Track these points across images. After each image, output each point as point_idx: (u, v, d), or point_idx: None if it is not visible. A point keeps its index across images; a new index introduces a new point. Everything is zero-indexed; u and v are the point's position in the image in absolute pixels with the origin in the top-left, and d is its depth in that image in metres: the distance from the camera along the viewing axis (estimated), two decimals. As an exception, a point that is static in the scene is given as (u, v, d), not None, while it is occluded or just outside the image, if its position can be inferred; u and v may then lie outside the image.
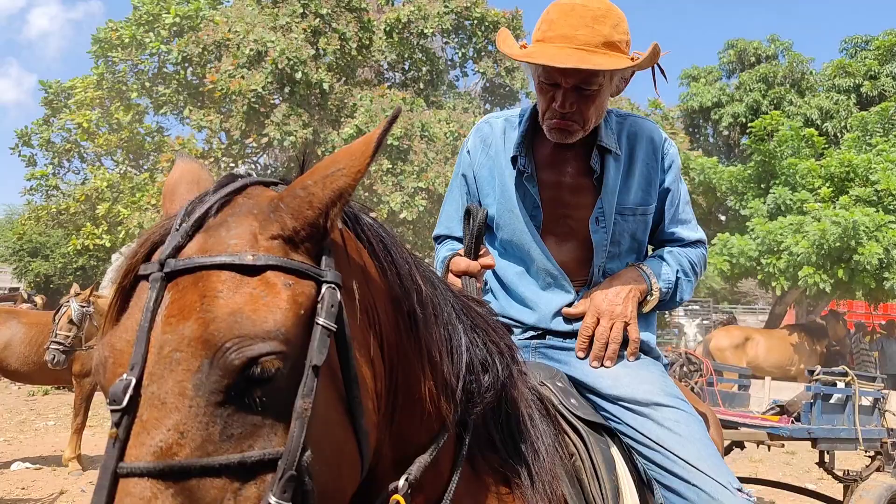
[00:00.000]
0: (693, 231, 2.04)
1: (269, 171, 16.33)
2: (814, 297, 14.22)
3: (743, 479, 5.98)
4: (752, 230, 13.80)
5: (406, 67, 18.28)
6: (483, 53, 19.51)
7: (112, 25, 18.08)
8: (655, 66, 1.83)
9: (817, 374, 5.08)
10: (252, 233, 0.95)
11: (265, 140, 14.91)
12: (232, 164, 16.29)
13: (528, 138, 1.92)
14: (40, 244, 22.87)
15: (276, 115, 14.29)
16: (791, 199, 13.96)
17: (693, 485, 1.58)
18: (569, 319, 1.88)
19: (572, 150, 1.89)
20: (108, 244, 17.33)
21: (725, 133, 19.83)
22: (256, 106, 14.55)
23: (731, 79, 20.89)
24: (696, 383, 5.96)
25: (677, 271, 1.93)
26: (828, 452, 5.20)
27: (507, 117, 2.02)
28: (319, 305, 0.94)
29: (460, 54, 19.70)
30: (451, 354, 1.23)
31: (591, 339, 1.79)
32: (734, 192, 15.50)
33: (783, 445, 5.25)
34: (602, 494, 1.51)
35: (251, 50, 14.55)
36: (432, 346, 1.19)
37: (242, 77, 14.28)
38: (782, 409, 5.41)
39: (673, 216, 2.00)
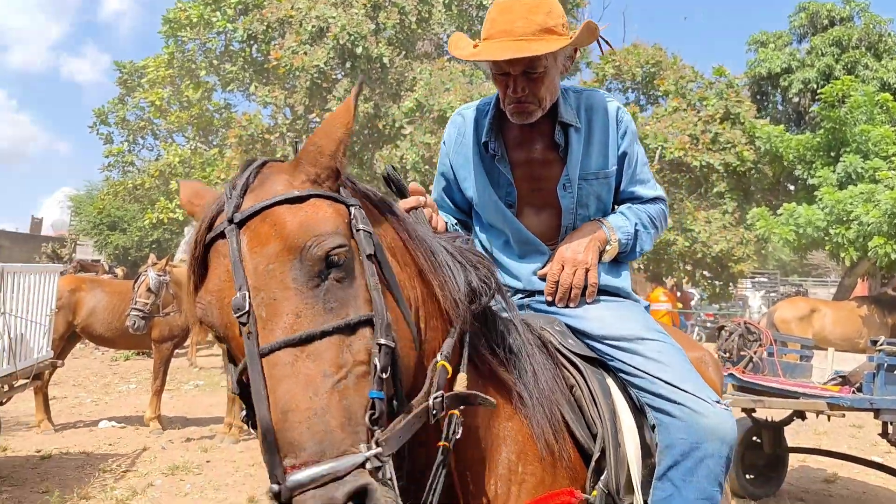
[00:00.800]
0: (651, 189, 2.22)
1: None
2: (887, 269, 13.72)
3: (805, 450, 6.01)
4: (821, 200, 13.38)
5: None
6: (544, 23, 19.28)
7: (181, 6, 18.59)
8: (600, 38, 2.05)
9: (881, 345, 5.01)
10: (287, 181, 1.28)
11: (328, 115, 15.15)
12: (297, 139, 16.67)
13: (496, 123, 2.12)
14: (118, 218, 23.84)
15: (338, 90, 14.52)
16: (862, 168, 13.45)
17: (677, 403, 1.79)
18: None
19: (538, 129, 2.08)
20: (181, 218, 18.01)
21: (795, 100, 19.14)
22: (319, 81, 14.81)
23: (801, 43, 20.09)
24: (755, 353, 5.95)
25: (635, 224, 2.13)
26: (891, 424, 5.15)
27: (479, 106, 2.20)
28: (353, 220, 1.29)
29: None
30: (441, 268, 1.50)
31: (558, 284, 2.01)
32: (802, 160, 15.02)
33: (845, 416, 5.19)
34: (601, 418, 1.74)
35: (313, 26, 14.78)
36: (426, 260, 1.49)
37: (305, 53, 14.53)
38: (844, 380, 5.37)
39: (631, 177, 2.19)
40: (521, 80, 1.93)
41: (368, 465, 1.10)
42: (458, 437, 1.40)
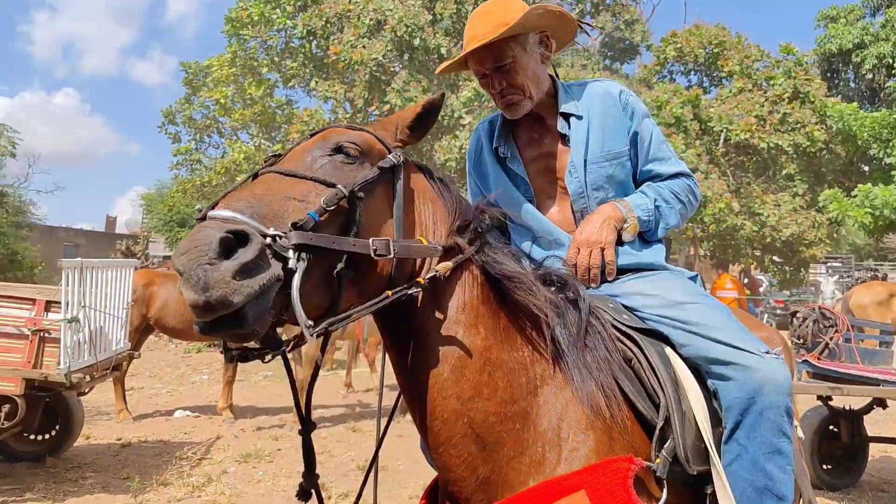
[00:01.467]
0: (671, 166, 2.22)
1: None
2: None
3: (887, 440, 5.79)
4: (899, 180, 12.83)
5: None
6: (601, 8, 19.00)
7: (242, 4, 18.96)
8: (582, 24, 2.30)
9: (966, 330, 4.79)
10: (360, 129, 1.71)
11: (387, 107, 15.28)
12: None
13: (505, 128, 2.27)
14: (187, 215, 24.59)
15: (397, 82, 14.62)
16: (944, 145, 12.85)
17: (727, 363, 1.80)
18: None
19: (544, 125, 2.22)
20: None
21: (868, 76, 18.36)
22: (378, 74, 14.93)
23: (875, 17, 19.25)
24: (830, 339, 5.75)
25: (655, 200, 2.14)
26: (978, 411, 4.93)
27: (491, 118, 2.35)
28: (386, 158, 1.62)
29: (577, 10, 19.28)
30: (453, 204, 1.76)
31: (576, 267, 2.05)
32: (878, 139, 14.41)
33: (928, 403, 4.99)
34: (661, 386, 1.75)
35: (371, 19, 14.89)
36: (444, 205, 1.75)
37: (363, 46, 14.67)
38: (928, 366, 5.16)
39: (647, 156, 2.21)
40: (497, 75, 2.10)
41: (267, 241, 1.30)
42: (411, 294, 1.56)
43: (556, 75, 2.31)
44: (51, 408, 5.77)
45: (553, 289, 1.78)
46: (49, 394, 5.36)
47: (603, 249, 2.03)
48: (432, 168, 1.88)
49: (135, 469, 5.88)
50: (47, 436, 5.87)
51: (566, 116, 2.18)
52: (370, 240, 1.47)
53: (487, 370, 1.61)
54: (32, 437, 5.58)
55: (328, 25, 16.53)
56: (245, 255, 1.24)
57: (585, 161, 2.14)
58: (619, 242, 2.10)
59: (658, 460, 1.66)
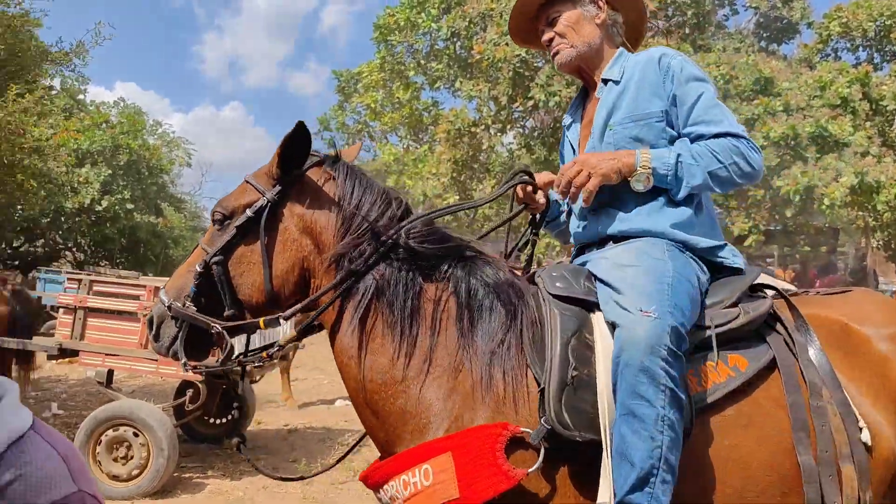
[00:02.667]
0: (716, 126, 2.11)
1: (535, 134, 16.72)
2: None
3: None
4: None
5: (669, 14, 17.50)
6: (756, -15, 17.96)
7: (389, 11, 19.65)
8: None
9: None
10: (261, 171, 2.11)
11: (531, 103, 15.28)
12: (499, 132, 16.98)
13: (577, 101, 2.47)
14: (341, 216, 25.83)
15: (540, 78, 14.57)
16: None
17: (616, 324, 1.84)
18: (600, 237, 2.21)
19: (594, 93, 2.32)
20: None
21: None
22: (521, 70, 14.97)
23: None
24: None
25: (678, 155, 2.06)
26: None
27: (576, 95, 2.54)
28: (253, 205, 2.02)
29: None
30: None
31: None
32: None
33: None
34: (550, 354, 1.83)
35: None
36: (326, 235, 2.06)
37: (506, 44, 14.75)
38: None
39: (688, 118, 2.14)
40: (548, 30, 2.33)
41: (169, 311, 2.02)
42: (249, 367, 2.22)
43: (627, 47, 2.41)
44: (227, 394, 6.32)
45: (452, 267, 2.00)
46: (225, 381, 5.88)
47: (590, 176, 2.04)
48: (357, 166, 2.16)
49: (301, 452, 6.32)
50: (225, 420, 6.44)
51: (605, 82, 2.27)
52: (208, 319, 2.00)
53: (370, 360, 1.93)
54: (213, 420, 6.14)
55: (471, 25, 16.76)
56: (153, 328, 2.08)
57: (606, 124, 2.20)
58: (627, 207, 2.14)
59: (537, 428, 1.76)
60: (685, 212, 2.13)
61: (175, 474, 5.47)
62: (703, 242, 2.11)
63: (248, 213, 2.00)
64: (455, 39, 18.00)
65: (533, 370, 1.85)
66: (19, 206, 10.36)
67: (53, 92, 7.82)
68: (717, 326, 1.94)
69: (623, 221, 2.14)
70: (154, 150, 19.61)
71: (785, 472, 1.83)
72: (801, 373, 1.91)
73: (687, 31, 16.88)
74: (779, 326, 2.01)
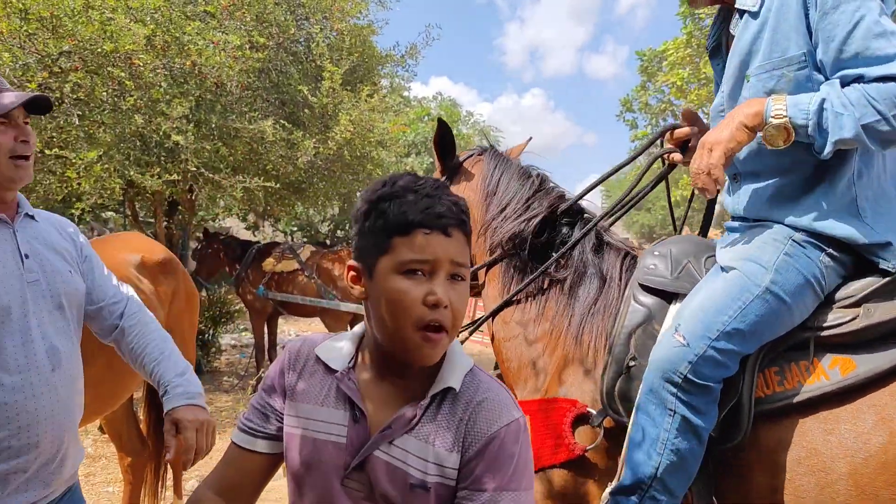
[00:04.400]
0: (879, 66, 1.58)
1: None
2: None
3: None
4: None
5: None
6: None
7: (697, -17, 18.83)
8: None
9: None
10: None
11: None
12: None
13: (720, 24, 2.00)
14: (649, 200, 25.46)
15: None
16: None
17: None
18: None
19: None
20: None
21: None
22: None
23: None
24: None
25: (822, 101, 1.62)
26: None
27: None
28: None
29: None
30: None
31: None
32: None
33: None
34: (613, 340, 1.93)
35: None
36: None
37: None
38: None
39: (839, 55, 1.64)
40: None
41: None
42: None
43: None
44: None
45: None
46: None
47: (711, 151, 1.72)
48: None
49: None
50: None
51: (741, 14, 1.81)
52: None
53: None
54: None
55: None
56: None
57: (741, 75, 1.81)
58: (760, 176, 1.86)
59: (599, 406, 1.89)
60: (833, 191, 1.76)
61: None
62: (854, 236, 1.72)
63: None
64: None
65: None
66: (359, 193, 11.85)
67: (384, 91, 8.89)
68: (819, 328, 1.74)
69: (751, 197, 1.89)
70: (468, 139, 21.14)
71: (874, 493, 1.60)
72: None
73: None
74: None
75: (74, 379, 1.81)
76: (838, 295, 1.77)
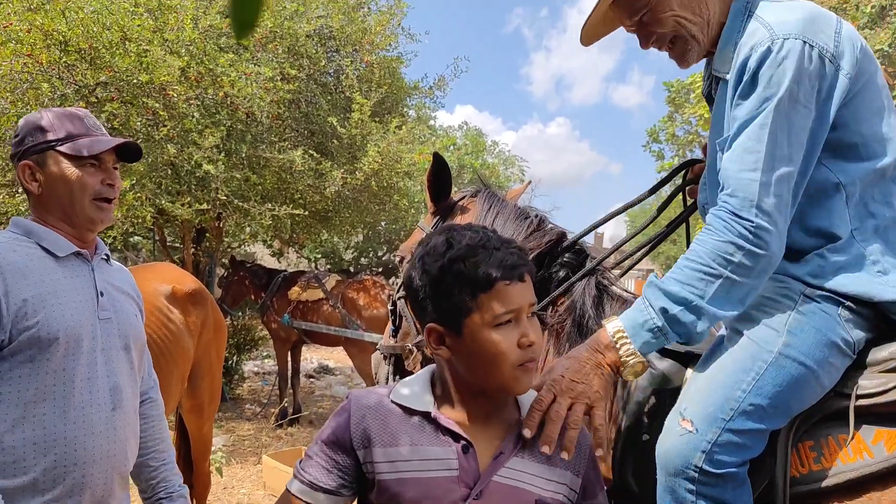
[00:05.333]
0: (722, 194, 1.50)
1: None
2: None
3: None
4: None
5: None
6: None
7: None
8: None
9: None
10: None
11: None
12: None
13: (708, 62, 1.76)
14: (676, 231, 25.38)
15: (906, 72, 12.85)
16: None
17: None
18: None
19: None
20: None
21: None
22: (884, 65, 13.34)
23: None
24: None
25: (662, 309, 1.47)
26: None
27: None
28: None
29: None
30: None
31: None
32: None
33: None
34: (625, 410, 1.73)
35: (872, 7, 13.40)
36: None
37: (866, 38, 13.29)
38: None
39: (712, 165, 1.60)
40: (641, 27, 1.64)
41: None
42: None
43: None
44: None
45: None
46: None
47: (590, 407, 1.37)
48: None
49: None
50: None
51: (716, 80, 1.63)
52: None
53: None
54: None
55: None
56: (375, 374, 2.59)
57: (713, 146, 1.62)
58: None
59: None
60: (838, 243, 1.54)
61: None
62: (871, 294, 1.50)
63: None
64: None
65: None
66: (383, 222, 11.84)
67: (411, 122, 8.98)
68: (860, 396, 1.49)
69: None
70: (493, 168, 21.19)
71: None
72: None
73: None
74: None
75: (133, 421, 1.84)
76: (873, 357, 1.53)
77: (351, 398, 1.28)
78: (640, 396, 1.71)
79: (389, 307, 2.34)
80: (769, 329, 1.51)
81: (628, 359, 1.45)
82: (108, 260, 1.92)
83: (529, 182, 2.83)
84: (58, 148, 1.75)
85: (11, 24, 5.25)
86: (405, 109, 9.40)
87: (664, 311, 1.45)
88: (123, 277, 1.98)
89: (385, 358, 2.44)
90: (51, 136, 1.75)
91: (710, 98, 1.76)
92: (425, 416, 1.22)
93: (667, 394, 1.68)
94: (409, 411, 1.23)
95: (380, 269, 19.45)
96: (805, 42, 1.42)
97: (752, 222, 1.42)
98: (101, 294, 1.79)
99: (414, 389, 1.27)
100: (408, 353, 2.36)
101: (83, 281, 1.76)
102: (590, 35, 1.74)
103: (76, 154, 1.75)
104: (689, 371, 1.67)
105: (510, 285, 1.16)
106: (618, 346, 1.45)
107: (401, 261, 2.34)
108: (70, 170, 1.75)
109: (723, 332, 1.63)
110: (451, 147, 20.00)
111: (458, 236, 1.21)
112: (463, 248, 1.18)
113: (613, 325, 1.48)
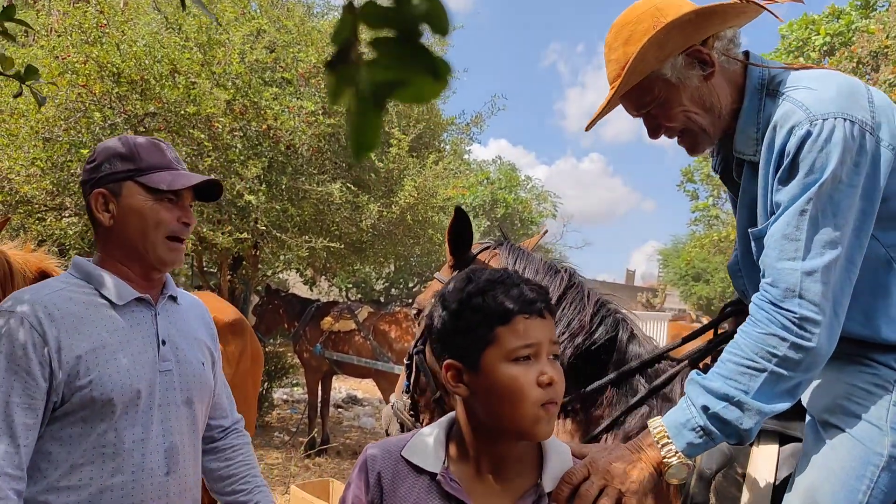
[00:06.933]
0: (767, 285, 1.41)
1: None
2: None
3: None
4: None
5: None
6: None
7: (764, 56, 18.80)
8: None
9: None
10: None
11: None
12: None
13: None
14: (702, 269, 25.02)
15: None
16: None
17: None
18: None
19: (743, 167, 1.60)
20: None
21: None
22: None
23: None
24: None
25: (703, 407, 1.38)
26: None
27: None
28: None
29: None
30: None
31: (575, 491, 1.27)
32: None
33: None
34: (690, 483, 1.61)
35: (916, 53, 13.28)
36: None
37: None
38: None
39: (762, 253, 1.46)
40: (649, 119, 1.61)
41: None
42: None
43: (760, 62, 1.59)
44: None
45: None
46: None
47: (622, 494, 1.30)
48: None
49: None
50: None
51: (740, 163, 1.59)
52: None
53: None
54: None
55: (860, 66, 15.26)
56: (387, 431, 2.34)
57: (747, 233, 1.55)
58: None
59: None
60: None
61: None
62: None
63: None
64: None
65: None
66: (417, 253, 11.91)
67: (447, 158, 9.10)
68: None
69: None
70: (525, 203, 21.24)
71: None
72: None
73: None
74: None
75: (189, 487, 1.67)
76: None
77: (367, 459, 1.27)
78: (707, 474, 1.61)
79: (405, 361, 2.16)
80: (871, 427, 1.39)
81: (671, 459, 1.35)
82: (175, 299, 1.76)
83: (545, 231, 2.82)
84: (137, 179, 1.60)
85: (69, 55, 5.47)
86: (441, 144, 9.51)
87: (705, 408, 1.36)
88: (195, 313, 1.83)
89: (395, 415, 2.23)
90: (131, 166, 1.61)
91: (724, 177, 1.73)
92: (433, 476, 1.20)
93: (733, 471, 1.60)
94: (420, 470, 1.21)
95: (410, 301, 19.56)
96: (846, 119, 1.35)
97: (796, 313, 1.34)
98: (163, 343, 1.64)
99: (428, 441, 1.24)
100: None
101: (143, 330, 1.61)
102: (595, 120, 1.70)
103: (155, 187, 1.60)
104: (755, 449, 1.60)
105: (529, 319, 1.13)
106: (660, 446, 1.37)
107: (417, 314, 2.19)
108: (147, 203, 1.60)
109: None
110: (485, 181, 20.12)
111: (479, 273, 1.20)
112: (482, 282, 1.17)
113: (655, 426, 1.40)
